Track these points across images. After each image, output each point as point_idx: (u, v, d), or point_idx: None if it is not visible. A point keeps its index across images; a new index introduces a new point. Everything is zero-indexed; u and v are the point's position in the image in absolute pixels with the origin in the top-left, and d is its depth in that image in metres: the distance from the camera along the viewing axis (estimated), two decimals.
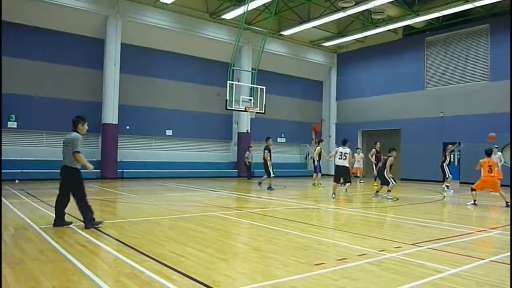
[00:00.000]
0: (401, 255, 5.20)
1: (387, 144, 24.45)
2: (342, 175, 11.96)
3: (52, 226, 6.69)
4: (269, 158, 14.52)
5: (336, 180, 12.00)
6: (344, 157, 11.74)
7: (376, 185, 17.39)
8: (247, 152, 22.01)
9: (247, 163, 21.82)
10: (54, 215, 6.82)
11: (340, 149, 11.95)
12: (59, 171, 6.88)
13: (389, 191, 12.20)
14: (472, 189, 11.00)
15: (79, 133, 6.91)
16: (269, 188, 14.34)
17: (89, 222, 6.63)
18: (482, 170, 10.87)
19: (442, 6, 19.28)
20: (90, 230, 6.45)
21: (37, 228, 6.56)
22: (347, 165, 11.82)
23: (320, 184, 17.01)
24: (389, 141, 24.59)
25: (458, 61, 21.66)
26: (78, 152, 6.66)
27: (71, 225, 6.77)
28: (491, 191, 11.32)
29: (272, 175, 14.48)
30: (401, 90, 23.78)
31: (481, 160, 10.92)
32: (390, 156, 12.25)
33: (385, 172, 12.20)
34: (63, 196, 6.82)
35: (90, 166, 6.82)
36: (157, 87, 21.31)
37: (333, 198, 11.88)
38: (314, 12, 21.96)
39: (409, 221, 8.46)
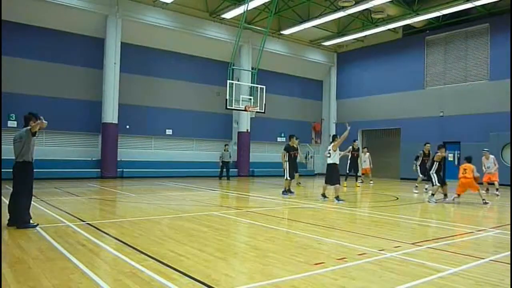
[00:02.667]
0: (401, 254, 5.20)
1: (388, 143, 24.67)
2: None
3: (7, 225, 6.56)
4: (286, 159, 12.56)
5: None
6: (328, 155, 11.15)
7: (358, 185, 17.01)
8: (222, 150, 20.77)
9: (221, 162, 20.33)
10: (53, 214, 6.80)
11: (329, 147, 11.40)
12: (11, 169, 6.66)
13: (432, 194, 11.73)
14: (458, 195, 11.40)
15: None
16: (284, 192, 12.65)
17: (22, 222, 6.43)
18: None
19: (442, 6, 19.26)
20: (91, 230, 6.45)
21: (37, 227, 6.55)
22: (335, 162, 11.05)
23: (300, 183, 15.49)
24: (389, 140, 24.66)
25: (458, 61, 21.65)
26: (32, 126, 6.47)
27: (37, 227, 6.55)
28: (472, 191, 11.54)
29: (287, 177, 12.54)
30: (401, 89, 23.77)
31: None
32: (436, 153, 11.92)
33: (431, 171, 11.88)
34: (15, 193, 6.65)
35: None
36: (157, 87, 21.30)
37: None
38: (314, 11, 21.96)
39: (409, 221, 8.47)
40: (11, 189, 6.78)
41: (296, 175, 14.82)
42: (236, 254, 5.29)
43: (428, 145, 15.25)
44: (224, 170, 20.25)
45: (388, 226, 7.72)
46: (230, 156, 20.90)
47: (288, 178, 12.55)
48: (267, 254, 5.12)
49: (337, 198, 11.03)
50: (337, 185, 11.12)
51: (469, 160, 11.67)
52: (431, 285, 3.99)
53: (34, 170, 6.86)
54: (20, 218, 6.47)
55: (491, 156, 14.76)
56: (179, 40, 21.35)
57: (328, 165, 11.25)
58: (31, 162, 6.66)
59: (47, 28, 18.17)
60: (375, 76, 25.26)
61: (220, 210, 9.31)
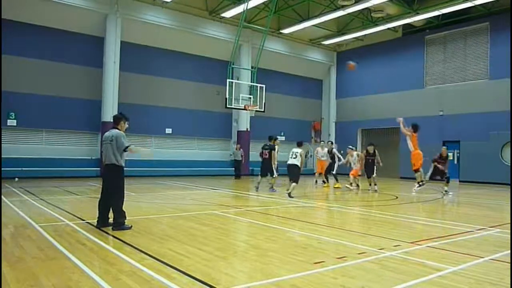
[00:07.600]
0: (400, 253, 5.20)
1: (387, 143, 24.65)
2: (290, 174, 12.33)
3: (95, 226, 6.57)
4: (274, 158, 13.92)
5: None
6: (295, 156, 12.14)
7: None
8: (234, 149, 21.85)
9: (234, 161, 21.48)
10: (52, 213, 6.79)
11: (293, 149, 12.39)
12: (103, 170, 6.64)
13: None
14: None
15: (119, 130, 6.63)
16: (271, 188, 13.81)
17: (118, 225, 6.40)
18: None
19: (442, 5, 19.26)
20: (90, 229, 6.45)
21: (36, 226, 6.55)
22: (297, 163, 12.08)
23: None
24: (389, 139, 24.65)
25: (457, 60, 21.65)
26: (128, 146, 6.43)
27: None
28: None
29: (275, 175, 13.91)
30: (400, 88, 23.77)
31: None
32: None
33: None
34: (106, 196, 6.58)
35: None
36: (157, 85, 21.29)
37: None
38: (314, 10, 21.95)
39: (409, 220, 8.47)
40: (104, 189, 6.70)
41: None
42: (236, 253, 5.29)
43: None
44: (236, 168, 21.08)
45: (388, 225, 7.73)
46: (241, 155, 21.33)
47: (276, 175, 14.02)
48: (267, 253, 5.12)
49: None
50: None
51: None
52: (431, 284, 3.99)
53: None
54: (115, 220, 6.42)
55: (355, 153, 15.57)
56: (179, 39, 21.33)
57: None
58: (123, 166, 6.55)
59: (47, 26, 18.14)
60: (374, 75, 25.25)
61: (220, 209, 9.31)
